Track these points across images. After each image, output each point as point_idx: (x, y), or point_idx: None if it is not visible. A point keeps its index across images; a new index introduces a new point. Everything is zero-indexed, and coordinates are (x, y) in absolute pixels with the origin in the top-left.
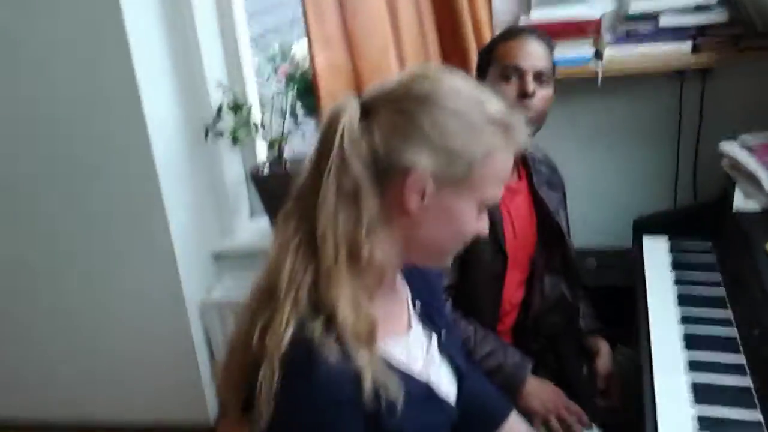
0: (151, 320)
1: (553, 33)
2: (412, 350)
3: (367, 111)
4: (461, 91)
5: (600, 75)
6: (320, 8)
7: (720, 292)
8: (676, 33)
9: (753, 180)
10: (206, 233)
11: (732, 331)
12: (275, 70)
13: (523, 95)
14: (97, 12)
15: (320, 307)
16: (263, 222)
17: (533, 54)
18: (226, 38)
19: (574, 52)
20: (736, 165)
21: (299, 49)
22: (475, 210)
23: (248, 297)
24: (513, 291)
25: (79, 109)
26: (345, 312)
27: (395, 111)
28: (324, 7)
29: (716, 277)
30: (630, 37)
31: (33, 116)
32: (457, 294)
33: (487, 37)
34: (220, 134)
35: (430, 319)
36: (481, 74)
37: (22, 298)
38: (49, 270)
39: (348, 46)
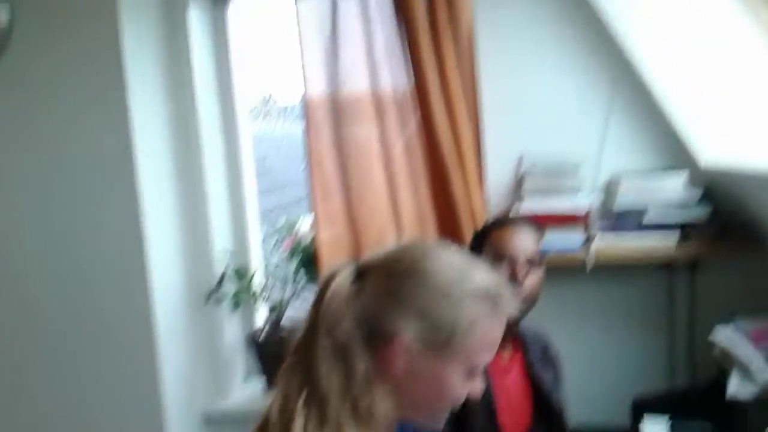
0: None
1: (543, 222)
2: None
3: (361, 275)
4: (448, 263)
5: (589, 264)
6: (326, 190)
7: None
8: (662, 227)
9: (745, 369)
10: (198, 394)
11: None
12: (280, 242)
13: (514, 281)
14: (113, 179)
15: None
16: (257, 385)
17: (524, 242)
18: (236, 211)
19: (564, 239)
20: (727, 354)
21: (303, 224)
22: (461, 375)
23: None
24: None
25: (86, 266)
26: None
27: (385, 278)
28: (330, 189)
29: None
30: (617, 230)
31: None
32: None
33: (481, 223)
34: (221, 300)
35: None
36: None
37: None
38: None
39: (350, 223)
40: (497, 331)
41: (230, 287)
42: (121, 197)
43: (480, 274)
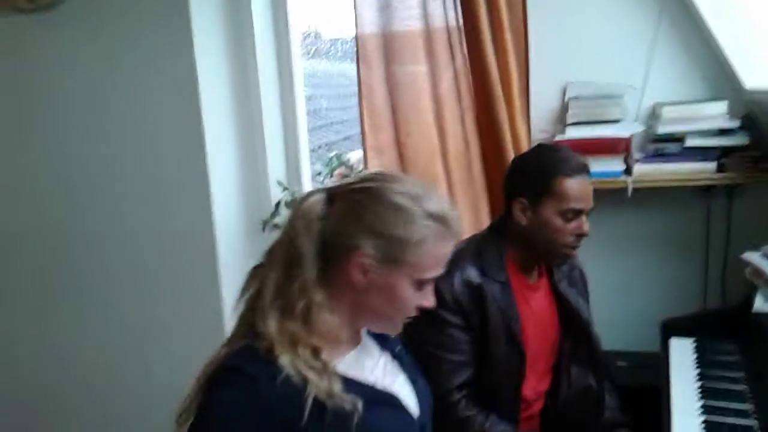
0: None
1: (585, 149)
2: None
3: (331, 199)
4: (404, 189)
5: (630, 188)
6: (376, 122)
7: (742, 387)
8: (702, 153)
9: None
10: None
11: (751, 422)
12: (331, 173)
13: (581, 235)
14: (182, 117)
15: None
16: None
17: (590, 195)
18: (289, 144)
19: (606, 166)
20: (757, 272)
21: (353, 156)
22: (412, 287)
23: None
24: (536, 383)
25: (153, 194)
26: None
27: (349, 201)
28: (380, 123)
29: (739, 374)
30: (658, 156)
31: (112, 194)
32: (476, 390)
33: (525, 149)
34: (277, 227)
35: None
36: (531, 194)
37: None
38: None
39: (398, 155)
40: (445, 249)
41: (285, 217)
42: (187, 130)
43: (430, 201)
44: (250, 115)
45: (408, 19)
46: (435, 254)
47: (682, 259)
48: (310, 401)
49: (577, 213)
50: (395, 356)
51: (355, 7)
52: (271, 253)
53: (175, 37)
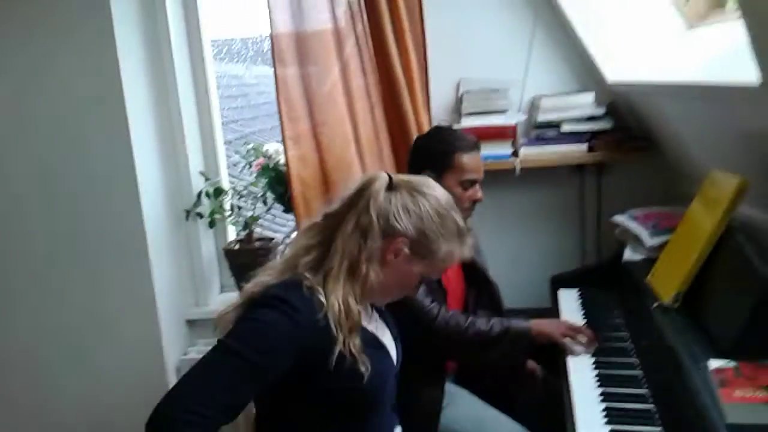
0: (133, 376)
1: (479, 135)
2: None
3: (392, 187)
4: (445, 199)
5: (518, 168)
6: (293, 115)
7: (618, 321)
8: (575, 137)
9: (637, 239)
10: (183, 302)
11: (629, 345)
12: (250, 165)
13: (476, 201)
14: (108, 118)
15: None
16: (232, 295)
17: (482, 167)
18: (206, 139)
19: (497, 150)
20: (625, 231)
21: (271, 147)
22: (419, 278)
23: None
24: None
25: (83, 189)
26: (333, 303)
27: (408, 194)
28: (297, 114)
29: (617, 311)
30: (539, 140)
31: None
32: None
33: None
34: (200, 215)
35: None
36: (433, 168)
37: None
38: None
39: (315, 143)
40: (456, 260)
41: (207, 208)
42: (114, 130)
43: (457, 215)
44: (169, 113)
45: (319, 21)
46: (447, 260)
47: (563, 226)
48: (337, 351)
49: (473, 182)
50: (381, 316)
51: (269, 9)
52: (335, 216)
53: (100, 44)
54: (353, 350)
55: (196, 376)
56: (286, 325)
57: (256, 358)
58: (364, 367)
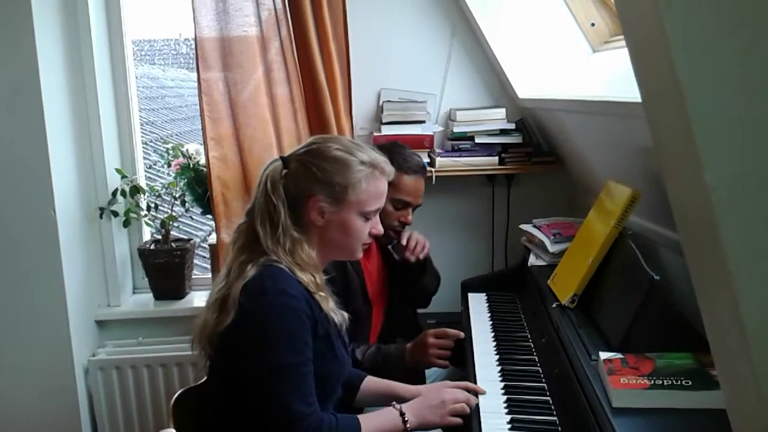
0: (41, 376)
1: None
2: None
3: (286, 163)
4: (338, 146)
5: (434, 177)
6: (215, 117)
7: (521, 323)
8: (487, 149)
9: (541, 246)
10: (94, 301)
11: (530, 343)
12: (169, 164)
13: (405, 224)
14: (25, 115)
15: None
16: (145, 295)
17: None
18: (123, 138)
19: None
20: (530, 238)
21: (191, 147)
22: (360, 219)
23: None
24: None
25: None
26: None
27: (301, 161)
28: (219, 116)
29: (518, 315)
30: (454, 151)
31: None
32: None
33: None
34: (114, 214)
35: None
36: None
37: None
38: None
39: (237, 145)
40: (379, 186)
41: (122, 207)
42: (30, 127)
43: (360, 151)
44: (87, 109)
45: (244, 26)
46: (372, 191)
47: (474, 233)
48: (330, 313)
49: (406, 205)
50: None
51: (193, 13)
52: (250, 213)
53: (19, 42)
54: (330, 308)
55: (284, 393)
56: (297, 314)
57: (306, 355)
58: (341, 318)
